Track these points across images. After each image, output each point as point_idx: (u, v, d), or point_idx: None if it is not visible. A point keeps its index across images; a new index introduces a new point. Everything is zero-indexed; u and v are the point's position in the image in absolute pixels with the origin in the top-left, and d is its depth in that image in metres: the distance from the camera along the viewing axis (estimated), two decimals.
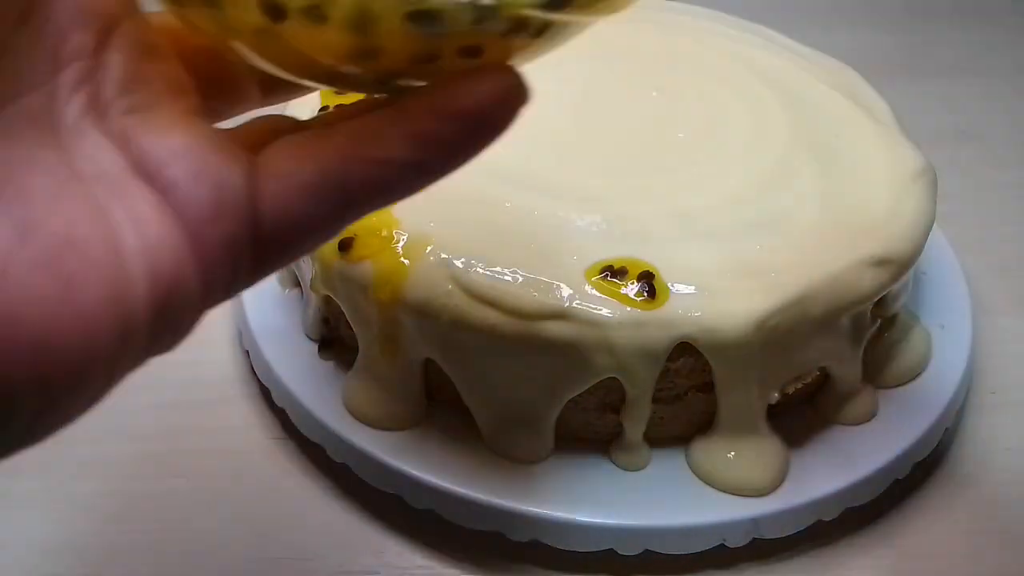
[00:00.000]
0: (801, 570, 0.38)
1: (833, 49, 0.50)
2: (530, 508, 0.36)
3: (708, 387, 0.37)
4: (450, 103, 0.19)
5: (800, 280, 0.36)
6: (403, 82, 0.21)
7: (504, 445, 0.38)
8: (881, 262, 0.37)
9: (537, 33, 0.20)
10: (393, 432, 0.38)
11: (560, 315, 0.35)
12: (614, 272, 0.36)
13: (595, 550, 0.37)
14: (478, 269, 0.36)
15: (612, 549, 0.37)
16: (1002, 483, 0.41)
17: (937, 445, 0.41)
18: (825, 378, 0.40)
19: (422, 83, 0.20)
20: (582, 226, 0.38)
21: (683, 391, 0.37)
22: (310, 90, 0.23)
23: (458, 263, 0.36)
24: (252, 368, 0.43)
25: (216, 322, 0.45)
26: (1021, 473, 0.42)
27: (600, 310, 0.35)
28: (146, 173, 0.18)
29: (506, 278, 0.35)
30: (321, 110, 0.42)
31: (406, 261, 0.36)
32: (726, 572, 0.38)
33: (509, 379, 0.36)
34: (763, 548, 0.38)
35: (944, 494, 0.41)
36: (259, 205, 0.19)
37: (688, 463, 0.38)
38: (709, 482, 0.37)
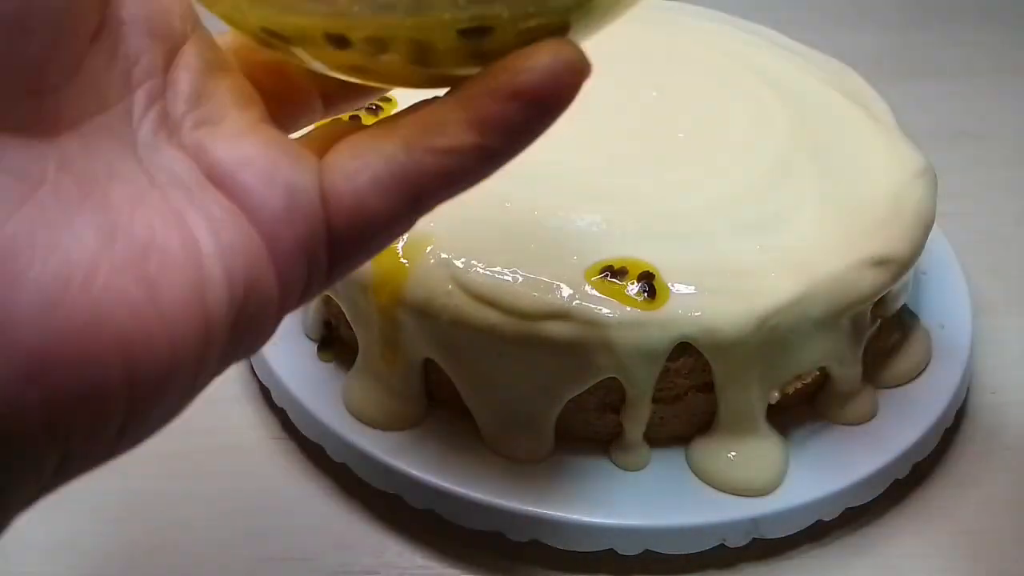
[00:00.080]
0: (801, 570, 0.38)
1: (833, 49, 0.50)
2: (530, 508, 0.36)
3: (708, 387, 0.37)
4: (510, 83, 0.19)
5: (800, 280, 0.36)
6: (462, 72, 0.21)
7: (504, 445, 0.38)
8: (881, 262, 0.37)
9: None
10: (393, 432, 0.38)
11: (560, 315, 0.35)
12: (614, 272, 0.36)
13: (595, 550, 0.37)
14: (478, 269, 0.36)
15: (612, 549, 0.37)
16: (1002, 483, 0.41)
17: (937, 445, 0.41)
18: (825, 378, 0.40)
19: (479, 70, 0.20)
20: (582, 226, 0.38)
21: (683, 391, 0.37)
22: (372, 100, 0.24)
23: (458, 263, 0.36)
24: (252, 368, 0.43)
25: None
26: (1021, 473, 0.42)
27: (600, 310, 0.35)
28: (219, 180, 0.19)
29: (506, 278, 0.35)
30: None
31: (406, 261, 0.36)
32: (726, 572, 0.38)
33: (509, 379, 0.36)
34: (763, 548, 0.38)
35: (944, 494, 0.41)
36: (330, 205, 0.19)
37: (688, 463, 0.38)
38: (709, 482, 0.37)
